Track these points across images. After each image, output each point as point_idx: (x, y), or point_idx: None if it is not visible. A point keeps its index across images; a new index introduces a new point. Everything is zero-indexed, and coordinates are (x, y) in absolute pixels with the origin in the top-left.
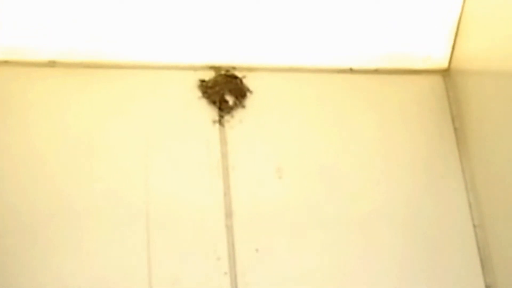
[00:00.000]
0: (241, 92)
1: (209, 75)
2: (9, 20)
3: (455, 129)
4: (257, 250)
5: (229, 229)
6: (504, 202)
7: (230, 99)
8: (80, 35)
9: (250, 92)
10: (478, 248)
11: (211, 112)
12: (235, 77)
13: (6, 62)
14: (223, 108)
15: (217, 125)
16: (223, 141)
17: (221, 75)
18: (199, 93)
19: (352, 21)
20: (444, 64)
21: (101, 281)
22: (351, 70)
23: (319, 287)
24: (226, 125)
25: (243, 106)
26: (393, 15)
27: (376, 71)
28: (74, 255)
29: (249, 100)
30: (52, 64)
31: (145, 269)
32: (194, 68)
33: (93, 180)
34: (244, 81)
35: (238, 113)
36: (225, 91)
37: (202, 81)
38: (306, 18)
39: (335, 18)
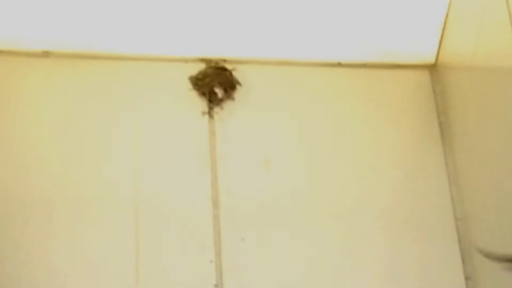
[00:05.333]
0: (230, 85)
1: (199, 67)
2: (4, 11)
3: (440, 123)
4: (243, 240)
5: (216, 218)
6: (486, 196)
7: (219, 91)
8: (73, 27)
9: (240, 84)
10: (459, 240)
11: (201, 104)
12: (225, 70)
13: (1, 52)
14: (212, 100)
15: (207, 116)
16: (212, 133)
17: (211, 67)
18: (189, 85)
19: (342, 17)
20: (431, 59)
21: (89, 267)
22: (339, 64)
23: (304, 277)
24: (215, 116)
25: (233, 99)
26: (381, 12)
27: (364, 66)
28: (65, 242)
29: (239, 93)
30: (46, 54)
31: (133, 257)
32: (185, 60)
33: (83, 167)
34: (234, 73)
35: (227, 105)
36: (215, 83)
37: (193, 76)
38: (296, 13)
39: (324, 13)
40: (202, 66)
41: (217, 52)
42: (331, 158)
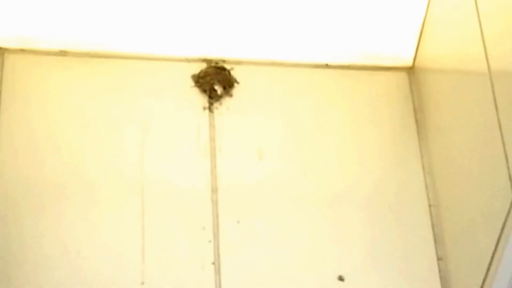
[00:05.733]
0: (229, 83)
1: (201, 67)
2: (25, 12)
3: (416, 120)
4: (238, 222)
5: (214, 203)
6: (456, 185)
7: (219, 89)
8: (87, 28)
9: (237, 82)
10: (432, 225)
11: (202, 100)
12: (224, 69)
13: (22, 51)
14: (212, 96)
15: (207, 111)
16: (212, 126)
17: (211, 66)
18: (192, 83)
19: (329, 22)
20: (409, 62)
21: (99, 244)
22: (327, 66)
23: (293, 255)
24: (215, 111)
25: (231, 95)
26: (365, 18)
27: (349, 67)
28: (78, 222)
29: (236, 90)
30: (63, 53)
31: (139, 236)
32: (188, 60)
33: (95, 156)
34: (232, 72)
35: (226, 101)
36: (214, 81)
37: (195, 75)
38: (288, 20)
39: (314, 20)
40: (203, 66)
41: (217, 53)
42: (318, 150)
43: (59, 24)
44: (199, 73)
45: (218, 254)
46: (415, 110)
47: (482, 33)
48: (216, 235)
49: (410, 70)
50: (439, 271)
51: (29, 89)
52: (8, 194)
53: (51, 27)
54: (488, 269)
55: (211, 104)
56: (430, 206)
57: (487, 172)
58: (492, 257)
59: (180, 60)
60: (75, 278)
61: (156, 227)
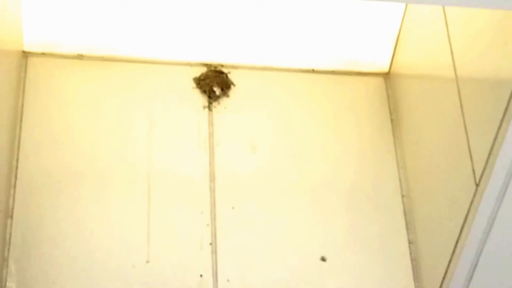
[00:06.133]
0: (226, 85)
1: (202, 71)
2: (47, 20)
3: (392, 120)
4: (233, 208)
5: (212, 190)
6: (426, 178)
7: (217, 90)
8: (101, 35)
9: (234, 85)
10: (404, 212)
11: (202, 100)
12: (222, 73)
13: (43, 54)
14: (211, 97)
15: (207, 110)
16: (210, 123)
17: (211, 70)
18: (193, 84)
19: (316, 32)
20: (385, 69)
21: (110, 226)
22: (313, 71)
23: (280, 237)
24: (214, 110)
25: (228, 96)
26: (348, 29)
27: (333, 72)
28: (91, 205)
29: (233, 91)
30: (80, 57)
31: (145, 219)
32: (190, 65)
33: (108, 148)
34: (229, 76)
35: (223, 101)
36: (213, 83)
37: (196, 77)
38: (279, 29)
39: (301, 29)
40: (203, 70)
41: (216, 59)
42: (304, 145)
43: (76, 31)
44: (200, 76)
45: (215, 236)
46: (390, 111)
47: (450, 44)
48: (213, 219)
49: (387, 76)
50: (410, 253)
51: (49, 88)
52: (31, 181)
53: (69, 33)
54: (453, 251)
55: (210, 103)
56: (402, 196)
57: (453, 166)
58: (457, 242)
59: (183, 65)
60: (88, 255)
61: (160, 211)
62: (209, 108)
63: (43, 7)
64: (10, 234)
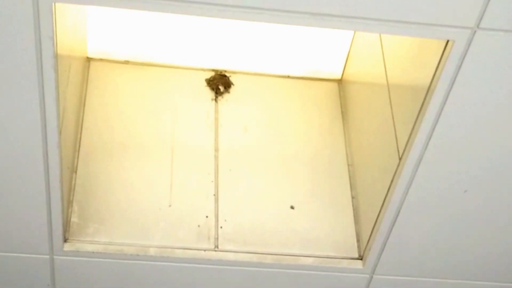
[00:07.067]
0: (228, 84)
1: (211, 74)
2: (104, 33)
3: (342, 112)
4: (230, 170)
5: (216, 157)
6: (365, 154)
7: (221, 88)
8: (140, 46)
9: (233, 84)
10: (349, 176)
11: (211, 94)
12: (225, 76)
13: (101, 59)
14: (217, 93)
15: (214, 102)
16: (216, 111)
17: (217, 74)
18: (204, 83)
19: (290, 47)
20: (339, 76)
21: (145, 181)
22: (288, 76)
23: (262, 191)
24: (219, 102)
25: (229, 92)
26: (313, 45)
27: (302, 78)
28: (133, 167)
29: (232, 89)
30: (126, 62)
31: (169, 175)
32: (203, 70)
33: (144, 127)
34: (230, 78)
35: (226, 96)
36: (219, 83)
37: (207, 79)
38: (265, 46)
39: (281, 45)
40: (212, 73)
41: (221, 66)
42: (281, 129)
43: (124, 43)
44: (209, 78)
45: (217, 189)
46: (341, 106)
47: (384, 60)
48: (216, 177)
49: (340, 82)
50: (352, 205)
51: (104, 84)
52: (89, 148)
53: (119, 45)
54: (382, 204)
55: (216, 97)
56: (348, 165)
57: (384, 146)
58: (385, 197)
59: (198, 70)
60: (129, 200)
61: (179, 171)
62: (216, 100)
63: (102, 25)
64: (74, 183)
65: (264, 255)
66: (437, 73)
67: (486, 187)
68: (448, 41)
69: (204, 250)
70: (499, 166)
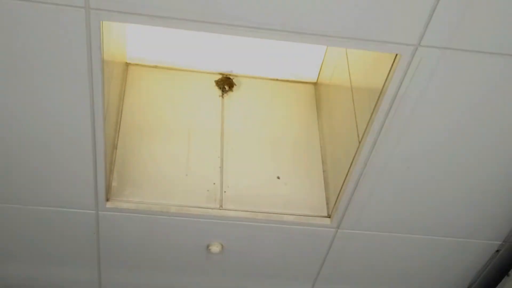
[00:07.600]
0: (232, 85)
1: (219, 77)
2: (139, 43)
3: (317, 108)
4: (232, 148)
5: (222, 140)
6: (334, 137)
7: (227, 87)
8: (166, 54)
9: (235, 85)
10: (321, 155)
11: (218, 92)
12: (230, 78)
13: (137, 64)
14: (223, 91)
15: (220, 98)
16: (222, 105)
17: (224, 76)
18: (213, 84)
19: (277, 56)
20: (315, 79)
21: (170, 155)
22: (277, 80)
23: (254, 163)
24: (225, 98)
25: (232, 91)
26: (294, 53)
27: (286, 81)
28: (160, 146)
29: (235, 88)
30: (155, 67)
31: (186, 151)
32: (213, 73)
33: (168, 114)
34: (234, 80)
35: (230, 94)
36: (225, 83)
37: (216, 80)
38: (259, 55)
39: (270, 54)
40: (220, 76)
41: (226, 70)
42: (270, 119)
43: (153, 51)
44: (218, 79)
45: (222, 162)
46: (317, 103)
47: (348, 66)
48: (221, 153)
49: (315, 84)
50: (324, 178)
51: (139, 84)
52: (126, 130)
53: (150, 52)
54: (346, 177)
55: (222, 94)
56: (321, 146)
57: (347, 132)
58: (348, 171)
59: (208, 73)
60: (157, 170)
61: (194, 148)
62: (222, 97)
63: (138, 35)
64: (115, 157)
65: (257, 213)
66: (388, 79)
67: (424, 165)
68: (396, 54)
69: (212, 209)
70: (431, 149)
